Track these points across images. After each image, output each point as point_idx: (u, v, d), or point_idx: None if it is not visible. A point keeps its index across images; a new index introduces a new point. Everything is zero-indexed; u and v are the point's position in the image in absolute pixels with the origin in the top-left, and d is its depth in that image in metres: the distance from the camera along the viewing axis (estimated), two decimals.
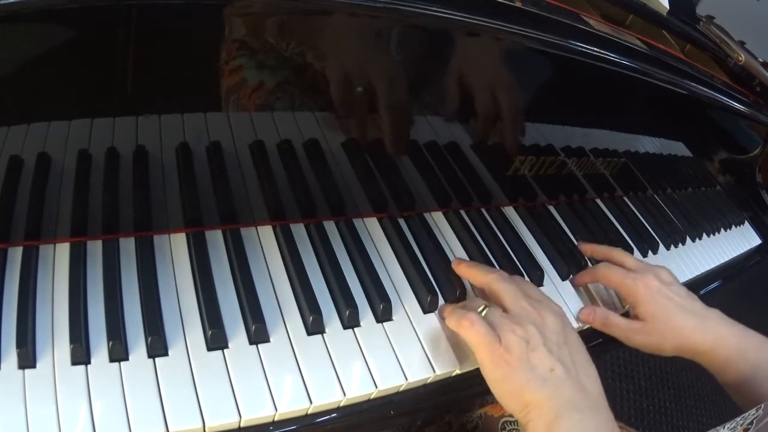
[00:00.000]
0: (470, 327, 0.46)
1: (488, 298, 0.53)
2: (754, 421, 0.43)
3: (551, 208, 0.73)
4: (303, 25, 0.43)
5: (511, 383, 0.44)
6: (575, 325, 0.60)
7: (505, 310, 0.49)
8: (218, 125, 0.46)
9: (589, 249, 0.68)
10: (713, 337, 0.56)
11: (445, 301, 0.54)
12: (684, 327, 0.56)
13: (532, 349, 0.45)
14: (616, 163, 0.78)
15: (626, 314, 0.62)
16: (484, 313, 0.48)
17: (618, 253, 0.64)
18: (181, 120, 0.45)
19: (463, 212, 0.65)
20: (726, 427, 0.45)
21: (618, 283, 0.60)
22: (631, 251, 0.74)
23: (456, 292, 0.54)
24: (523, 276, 0.61)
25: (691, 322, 0.56)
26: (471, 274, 0.55)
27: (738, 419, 0.45)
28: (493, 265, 0.60)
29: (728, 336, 0.56)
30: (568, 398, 0.43)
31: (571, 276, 0.65)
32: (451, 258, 0.58)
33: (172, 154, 0.46)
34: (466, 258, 0.60)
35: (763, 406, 0.44)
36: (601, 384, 0.47)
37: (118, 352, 0.40)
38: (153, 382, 0.40)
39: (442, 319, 0.52)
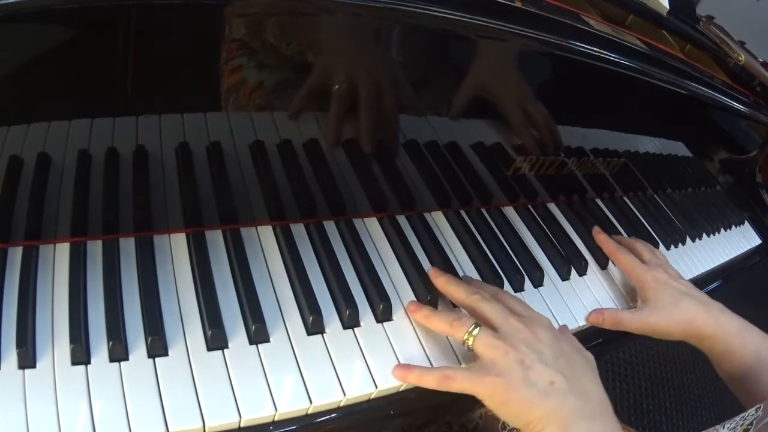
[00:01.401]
0: (454, 383, 0.45)
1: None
2: (754, 421, 0.43)
3: (551, 208, 0.73)
4: (303, 25, 0.43)
5: (513, 405, 0.44)
6: (576, 325, 0.60)
7: (493, 329, 0.48)
8: (218, 125, 0.46)
9: (602, 239, 0.71)
10: (716, 322, 0.59)
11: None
12: (689, 310, 0.60)
13: (528, 368, 0.44)
14: (616, 163, 0.78)
15: None
16: (475, 335, 0.46)
17: (638, 246, 0.69)
18: (181, 120, 0.45)
19: (463, 212, 0.65)
20: (726, 426, 0.45)
21: (629, 270, 0.65)
22: None
23: None
24: (523, 278, 0.61)
25: (696, 307, 0.60)
26: (451, 291, 0.52)
27: (737, 419, 0.45)
28: (493, 266, 0.60)
29: (730, 324, 0.59)
30: (573, 408, 0.43)
31: (572, 275, 0.65)
32: (452, 258, 0.58)
33: (172, 154, 0.46)
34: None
35: (762, 406, 0.44)
36: (606, 395, 0.46)
37: (118, 352, 0.40)
38: (153, 382, 0.40)
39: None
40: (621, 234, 0.77)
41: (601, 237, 0.69)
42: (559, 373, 0.44)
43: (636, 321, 0.60)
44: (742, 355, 0.57)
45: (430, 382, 0.45)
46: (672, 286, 0.62)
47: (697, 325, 0.59)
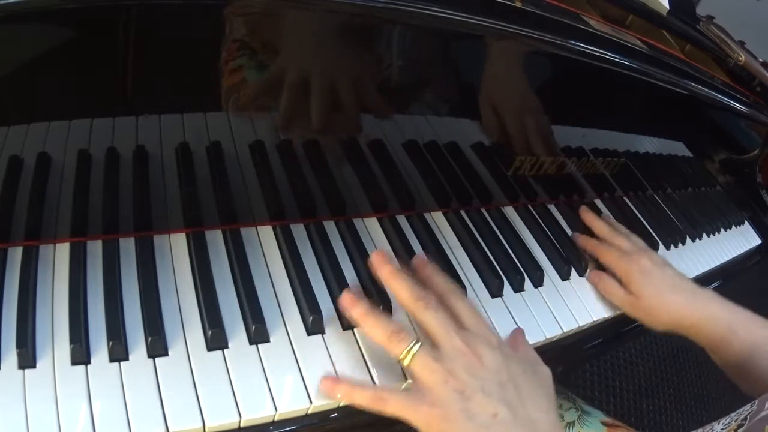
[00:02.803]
0: (388, 406, 0.41)
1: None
2: (748, 416, 0.43)
3: (551, 208, 0.73)
4: (302, 25, 0.43)
5: None
6: (575, 325, 0.60)
7: (435, 344, 0.43)
8: (218, 125, 0.46)
9: (589, 218, 0.70)
10: (702, 313, 0.58)
11: None
12: (674, 302, 0.59)
13: (468, 399, 0.40)
14: (616, 163, 0.78)
15: None
16: (414, 351, 0.42)
17: (614, 236, 0.68)
18: (181, 120, 0.45)
19: (463, 212, 0.65)
20: (721, 422, 0.45)
21: (613, 263, 0.64)
22: None
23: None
24: (523, 277, 0.61)
25: (681, 298, 0.59)
26: (395, 287, 0.46)
27: (732, 415, 0.45)
28: (493, 266, 0.60)
29: (718, 313, 0.58)
30: None
31: (572, 274, 0.65)
32: (452, 258, 0.58)
33: (172, 154, 0.46)
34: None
35: (757, 401, 0.44)
36: (557, 421, 0.43)
37: (118, 352, 0.40)
38: (153, 382, 0.40)
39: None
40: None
41: (580, 239, 0.68)
42: (504, 403, 0.40)
43: (621, 302, 0.61)
44: (732, 342, 0.56)
45: (361, 400, 0.42)
46: (657, 276, 0.60)
47: (684, 316, 0.58)
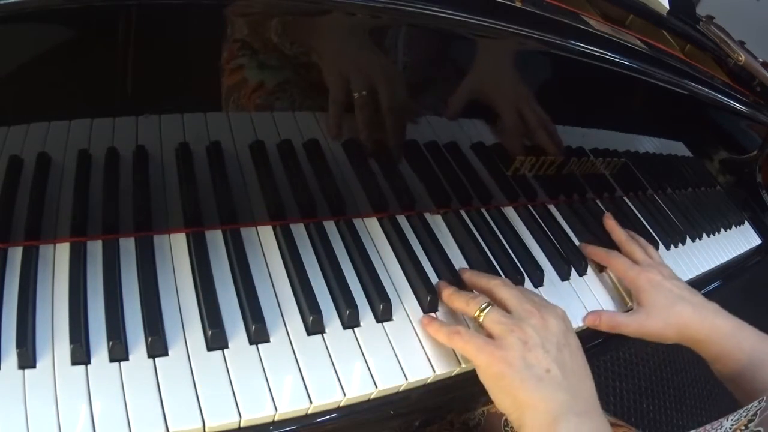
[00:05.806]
0: (460, 339, 0.47)
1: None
2: (758, 412, 0.43)
3: (551, 208, 0.73)
4: (304, 25, 0.43)
5: (506, 380, 0.44)
6: (575, 325, 0.60)
7: (508, 312, 0.49)
8: (218, 125, 0.46)
9: (611, 225, 0.71)
10: (709, 326, 0.58)
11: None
12: (682, 314, 0.59)
13: (529, 349, 0.45)
14: (616, 163, 0.78)
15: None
16: (485, 312, 0.48)
17: (629, 245, 0.68)
18: (181, 120, 0.45)
19: (463, 212, 0.65)
20: (729, 419, 0.45)
21: (622, 273, 0.65)
22: None
23: None
24: (523, 277, 0.61)
25: (689, 311, 0.59)
26: (474, 280, 0.55)
27: (741, 411, 0.45)
28: (493, 266, 0.60)
29: (723, 326, 0.58)
30: (564, 401, 0.43)
31: (572, 274, 0.65)
32: (452, 257, 0.58)
33: (172, 154, 0.46)
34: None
35: (766, 397, 0.44)
36: (596, 394, 0.47)
37: (118, 352, 0.40)
38: (153, 382, 0.40)
39: (427, 324, 0.51)
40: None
41: (589, 249, 0.68)
42: (557, 363, 0.45)
43: (632, 325, 0.60)
44: (736, 356, 0.57)
45: (441, 336, 0.48)
46: (666, 288, 0.61)
47: (691, 329, 0.59)
